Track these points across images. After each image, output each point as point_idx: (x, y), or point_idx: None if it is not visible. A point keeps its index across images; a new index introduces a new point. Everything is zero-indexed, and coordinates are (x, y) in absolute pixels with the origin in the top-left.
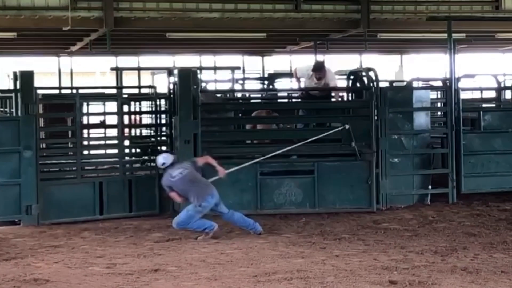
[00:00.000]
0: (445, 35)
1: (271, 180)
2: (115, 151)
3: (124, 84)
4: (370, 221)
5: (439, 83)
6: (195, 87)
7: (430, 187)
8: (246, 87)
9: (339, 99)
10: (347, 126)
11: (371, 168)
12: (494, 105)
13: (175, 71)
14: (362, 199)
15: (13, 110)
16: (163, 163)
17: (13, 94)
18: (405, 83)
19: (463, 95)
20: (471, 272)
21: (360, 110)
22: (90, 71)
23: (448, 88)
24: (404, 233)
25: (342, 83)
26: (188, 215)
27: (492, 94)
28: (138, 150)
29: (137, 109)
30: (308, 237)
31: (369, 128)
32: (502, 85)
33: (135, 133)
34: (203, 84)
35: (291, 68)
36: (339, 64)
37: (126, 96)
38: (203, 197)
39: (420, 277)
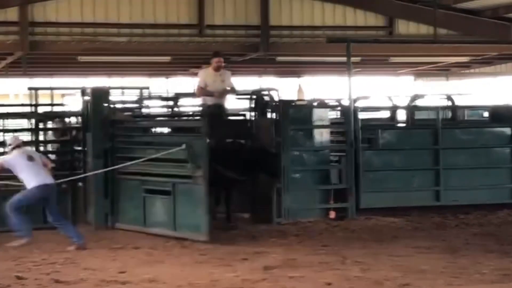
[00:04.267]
0: (342, 58)
1: (149, 198)
2: None
3: None
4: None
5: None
6: (107, 105)
7: (332, 202)
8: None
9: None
10: (183, 146)
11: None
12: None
13: (88, 90)
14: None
15: None
16: (10, 144)
17: None
18: (305, 102)
19: (361, 115)
20: None
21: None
22: (3, 93)
23: (347, 108)
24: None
25: (244, 103)
26: (18, 197)
27: (387, 114)
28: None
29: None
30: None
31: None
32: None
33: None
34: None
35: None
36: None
37: (41, 113)
38: (30, 184)
39: None
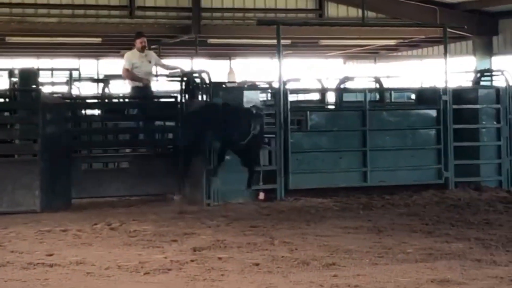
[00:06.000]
0: (272, 41)
1: None
2: None
3: None
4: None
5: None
6: (35, 86)
7: (261, 183)
8: (82, 88)
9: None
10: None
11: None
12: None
13: (16, 71)
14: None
15: None
16: None
17: None
18: (236, 85)
19: (291, 97)
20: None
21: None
22: None
23: (277, 90)
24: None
25: (175, 85)
26: None
27: (317, 96)
28: None
29: None
30: None
31: None
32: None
33: None
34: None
35: None
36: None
37: None
38: None
39: None
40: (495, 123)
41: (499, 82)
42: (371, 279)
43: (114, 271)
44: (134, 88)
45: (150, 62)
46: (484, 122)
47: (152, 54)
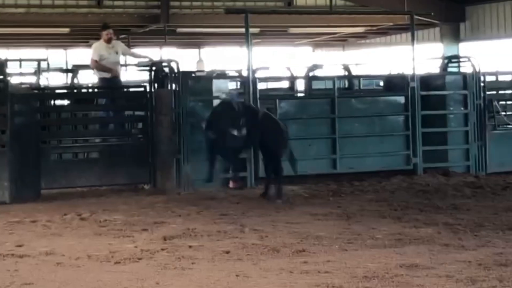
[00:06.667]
0: (241, 29)
1: None
2: None
3: None
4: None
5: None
6: (2, 77)
7: (230, 171)
8: (51, 79)
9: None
10: None
11: None
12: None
13: None
14: None
15: None
16: None
17: None
18: (205, 73)
19: (260, 86)
20: None
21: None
22: None
23: (246, 78)
24: None
25: (144, 75)
26: None
27: (286, 84)
28: None
29: None
30: None
31: None
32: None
33: None
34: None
35: None
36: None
37: None
38: None
39: None
40: (462, 109)
41: (466, 68)
42: (340, 265)
43: (84, 261)
44: (102, 79)
45: (117, 53)
46: (451, 108)
47: (119, 44)
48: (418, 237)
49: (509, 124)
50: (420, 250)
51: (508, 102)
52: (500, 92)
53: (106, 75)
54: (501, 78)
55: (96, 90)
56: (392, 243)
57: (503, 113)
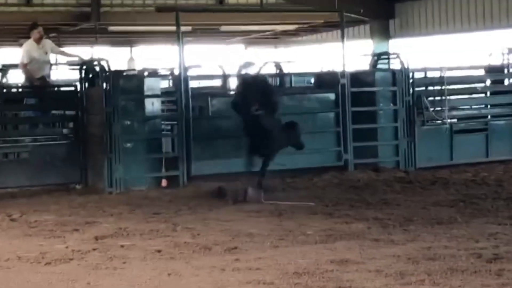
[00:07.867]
0: (173, 28)
1: None
2: None
3: None
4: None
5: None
6: None
7: (163, 170)
8: None
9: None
10: None
11: None
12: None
13: None
14: None
15: None
16: None
17: None
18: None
19: (192, 84)
20: None
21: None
22: None
23: (177, 77)
24: None
25: (74, 74)
26: None
27: (219, 82)
28: None
29: None
30: None
31: None
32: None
33: None
34: None
35: None
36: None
37: None
38: None
39: None
40: (392, 105)
41: (395, 65)
42: (272, 261)
43: (14, 262)
44: (29, 79)
45: (46, 53)
46: (381, 105)
47: (48, 44)
48: (349, 233)
49: (437, 120)
50: (351, 245)
51: (437, 98)
52: (429, 88)
53: (36, 74)
54: (430, 74)
55: (25, 89)
56: (323, 239)
57: (432, 109)
